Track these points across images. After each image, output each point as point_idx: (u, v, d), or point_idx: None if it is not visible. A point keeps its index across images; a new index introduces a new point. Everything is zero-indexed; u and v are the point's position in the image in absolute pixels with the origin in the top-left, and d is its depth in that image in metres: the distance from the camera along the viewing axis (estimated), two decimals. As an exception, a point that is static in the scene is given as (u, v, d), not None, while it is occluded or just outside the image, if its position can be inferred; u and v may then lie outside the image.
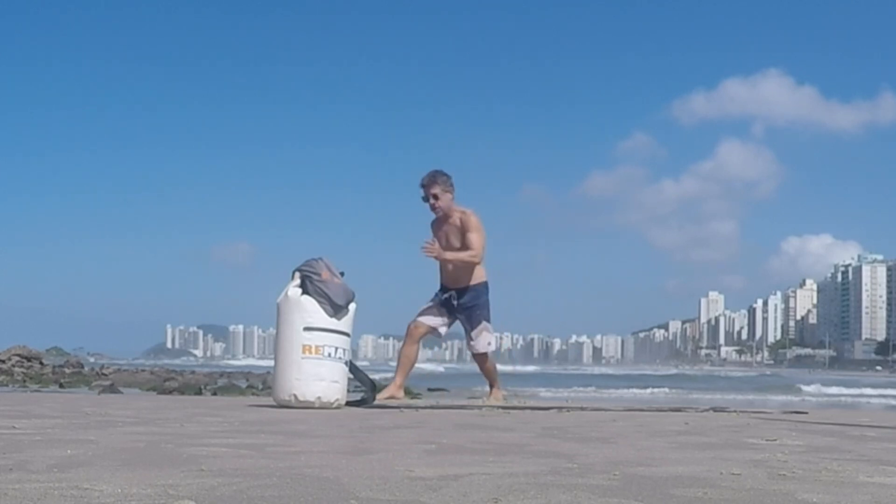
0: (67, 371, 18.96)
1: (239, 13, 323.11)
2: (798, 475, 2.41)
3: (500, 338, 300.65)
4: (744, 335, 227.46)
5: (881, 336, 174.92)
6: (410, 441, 3.29)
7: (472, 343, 6.60)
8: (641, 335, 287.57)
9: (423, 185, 6.43)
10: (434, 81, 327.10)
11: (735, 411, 6.00)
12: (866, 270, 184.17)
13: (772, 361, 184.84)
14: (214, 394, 10.64)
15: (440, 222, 6.49)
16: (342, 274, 5.55)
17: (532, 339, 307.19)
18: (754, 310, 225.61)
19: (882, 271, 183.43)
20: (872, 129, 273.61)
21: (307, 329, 5.25)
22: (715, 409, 6.22)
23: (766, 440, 3.54)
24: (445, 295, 6.51)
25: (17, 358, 19.43)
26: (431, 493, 2.01)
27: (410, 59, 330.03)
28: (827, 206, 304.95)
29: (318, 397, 5.21)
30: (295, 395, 5.21)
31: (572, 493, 2.04)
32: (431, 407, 6.08)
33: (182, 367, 33.60)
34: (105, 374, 17.95)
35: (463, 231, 6.40)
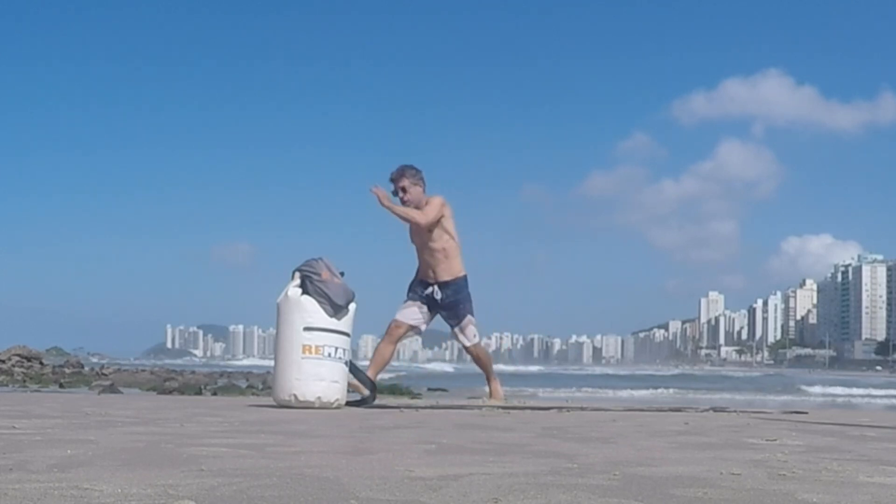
0: (67, 371, 18.95)
1: (239, 13, 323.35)
2: (798, 475, 2.41)
3: (501, 338, 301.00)
4: (744, 335, 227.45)
5: (881, 336, 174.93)
6: (410, 441, 3.29)
7: (460, 337, 6.54)
8: (641, 335, 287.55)
9: (391, 179, 6.36)
10: (434, 81, 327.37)
11: (735, 411, 6.00)
12: (866, 270, 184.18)
13: (772, 361, 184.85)
14: (214, 394, 10.63)
15: None
16: (342, 274, 5.55)
17: (532, 339, 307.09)
18: (754, 310, 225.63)
19: (882, 271, 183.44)
20: (872, 129, 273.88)
21: (307, 329, 5.25)
22: (715, 409, 6.23)
23: (766, 440, 3.54)
24: (427, 290, 6.46)
25: (17, 358, 19.42)
26: (431, 493, 2.01)
27: (410, 59, 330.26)
28: (827, 206, 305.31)
29: (318, 397, 5.21)
30: (295, 395, 5.21)
31: (572, 493, 2.04)
32: (431, 407, 6.08)
33: (184, 367, 33.56)
34: (105, 374, 17.95)
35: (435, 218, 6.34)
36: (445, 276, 6.39)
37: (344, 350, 5.38)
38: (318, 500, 1.92)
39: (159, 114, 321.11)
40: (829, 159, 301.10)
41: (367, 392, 5.92)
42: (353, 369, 5.71)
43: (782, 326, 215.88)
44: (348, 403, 5.51)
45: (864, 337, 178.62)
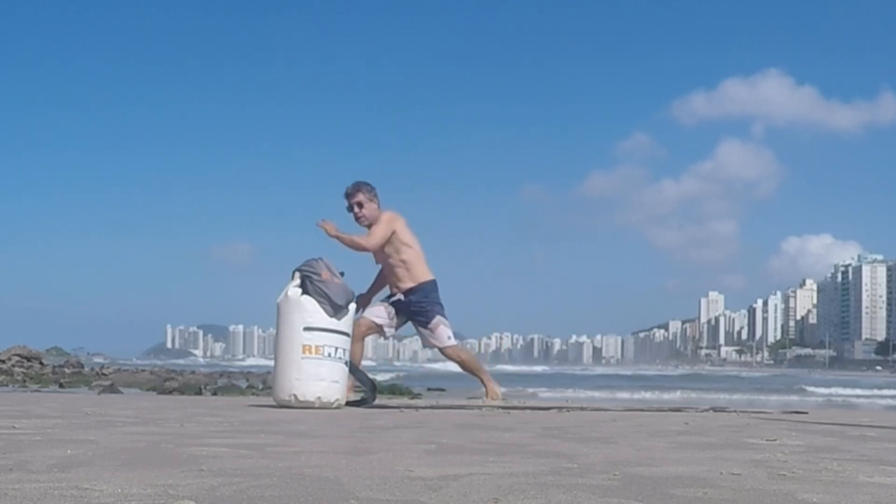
0: (67, 371, 18.96)
1: (239, 13, 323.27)
2: (798, 475, 2.41)
3: (501, 338, 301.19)
4: (744, 335, 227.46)
5: (881, 336, 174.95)
6: (410, 441, 3.29)
7: (431, 340, 6.46)
8: (641, 335, 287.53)
9: (346, 195, 6.33)
10: (434, 81, 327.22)
11: (735, 411, 6.00)
12: (866, 270, 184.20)
13: (772, 361, 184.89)
14: (214, 394, 10.64)
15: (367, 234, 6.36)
16: (342, 274, 5.55)
17: (532, 339, 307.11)
18: (754, 310, 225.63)
19: (882, 271, 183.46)
20: (872, 129, 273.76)
21: (307, 329, 5.25)
22: (715, 409, 6.23)
23: (766, 440, 3.54)
24: (393, 298, 6.44)
25: (17, 358, 19.42)
26: (431, 493, 2.01)
27: (410, 59, 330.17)
28: (827, 206, 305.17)
29: (318, 397, 5.21)
30: (295, 395, 5.21)
31: (572, 493, 2.04)
32: (431, 407, 6.08)
33: (187, 368, 33.54)
34: (105, 374, 17.95)
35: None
36: (409, 284, 6.37)
37: (344, 350, 5.38)
38: (318, 500, 1.92)
39: (159, 114, 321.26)
40: (829, 159, 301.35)
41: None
42: (353, 369, 5.71)
43: (782, 326, 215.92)
44: (348, 403, 5.51)
45: (864, 337, 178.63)
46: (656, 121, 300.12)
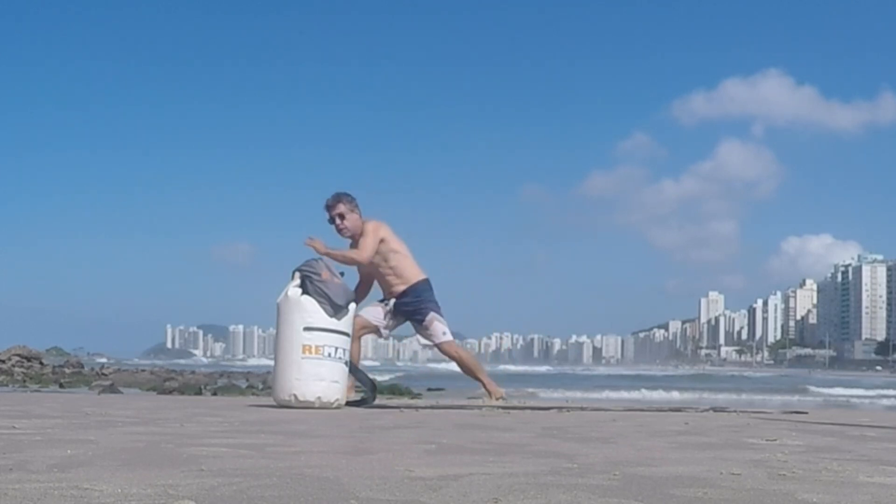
0: (67, 371, 18.95)
1: (239, 13, 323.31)
2: (798, 475, 2.41)
3: (501, 338, 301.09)
4: (744, 335, 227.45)
5: (881, 336, 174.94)
6: (410, 441, 3.29)
7: (427, 334, 6.45)
8: (641, 335, 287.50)
9: (327, 207, 6.30)
10: (434, 81, 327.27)
11: (735, 411, 6.00)
12: (866, 270, 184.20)
13: (772, 361, 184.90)
14: (214, 394, 10.63)
15: (352, 245, 6.34)
16: (342, 274, 5.55)
17: (532, 339, 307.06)
18: (754, 310, 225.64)
19: (882, 271, 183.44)
20: (872, 129, 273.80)
21: (307, 329, 5.25)
22: (715, 409, 6.23)
23: (766, 440, 3.54)
24: (385, 302, 6.42)
25: (17, 358, 19.42)
26: (431, 493, 2.01)
27: (410, 59, 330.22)
28: (827, 206, 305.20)
29: (318, 397, 5.21)
30: (295, 395, 5.21)
31: (572, 493, 2.04)
32: (431, 407, 6.08)
33: (189, 367, 33.50)
34: (105, 374, 17.95)
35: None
36: (402, 288, 6.38)
37: (344, 350, 5.37)
38: (318, 500, 1.92)
39: (159, 114, 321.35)
40: (829, 159, 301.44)
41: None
42: (353, 369, 5.71)
43: (782, 326, 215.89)
44: (348, 403, 5.51)
45: (864, 337, 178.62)
46: (656, 121, 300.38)
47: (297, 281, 5.36)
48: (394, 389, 10.40)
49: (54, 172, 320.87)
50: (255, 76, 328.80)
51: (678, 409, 6.30)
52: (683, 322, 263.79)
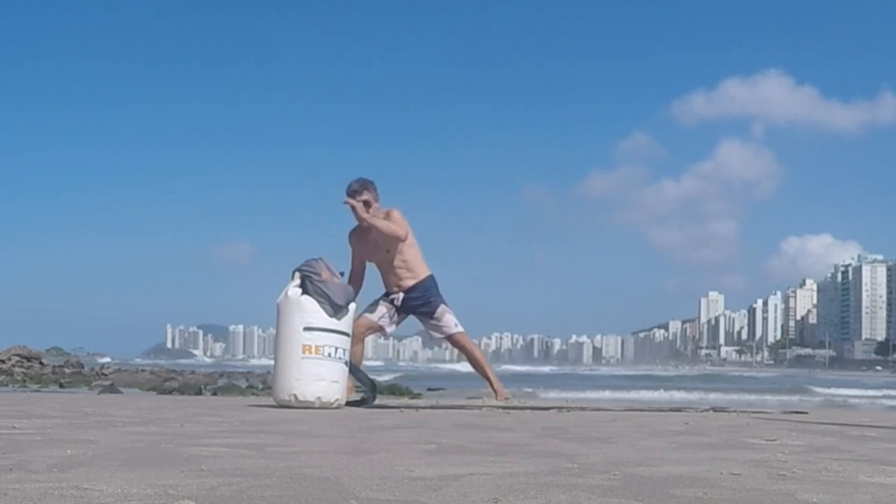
0: (67, 371, 18.94)
1: (239, 13, 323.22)
2: (798, 475, 2.41)
3: (501, 338, 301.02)
4: (744, 335, 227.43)
5: (881, 336, 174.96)
6: (410, 441, 3.29)
7: (439, 326, 6.44)
8: (641, 335, 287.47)
9: (352, 192, 6.22)
10: (434, 81, 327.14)
11: (735, 411, 6.00)
12: (866, 270, 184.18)
13: (772, 361, 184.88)
14: (214, 394, 10.63)
15: (367, 231, 6.31)
16: (342, 274, 5.55)
17: (532, 339, 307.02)
18: (754, 310, 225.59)
19: (882, 271, 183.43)
20: (872, 129, 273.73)
21: (307, 329, 5.25)
22: (715, 409, 6.23)
23: (766, 440, 3.54)
24: (391, 297, 6.42)
25: (17, 358, 19.42)
26: (431, 493, 2.01)
27: (410, 58, 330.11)
28: (827, 206, 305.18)
29: (318, 397, 5.21)
30: (295, 395, 5.21)
31: (572, 493, 2.04)
32: (431, 407, 6.08)
33: (191, 368, 33.46)
34: (105, 374, 17.94)
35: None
36: (411, 281, 6.37)
37: (344, 350, 5.37)
38: (318, 500, 1.92)
39: (159, 114, 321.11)
40: (829, 159, 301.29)
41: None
42: (353, 369, 5.71)
43: (782, 326, 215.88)
44: (348, 403, 5.51)
45: (864, 337, 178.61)
46: (656, 121, 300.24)
47: (297, 281, 5.36)
48: (394, 389, 10.40)
49: (54, 172, 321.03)
50: (255, 76, 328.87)
51: (678, 409, 6.29)
52: (683, 322, 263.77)
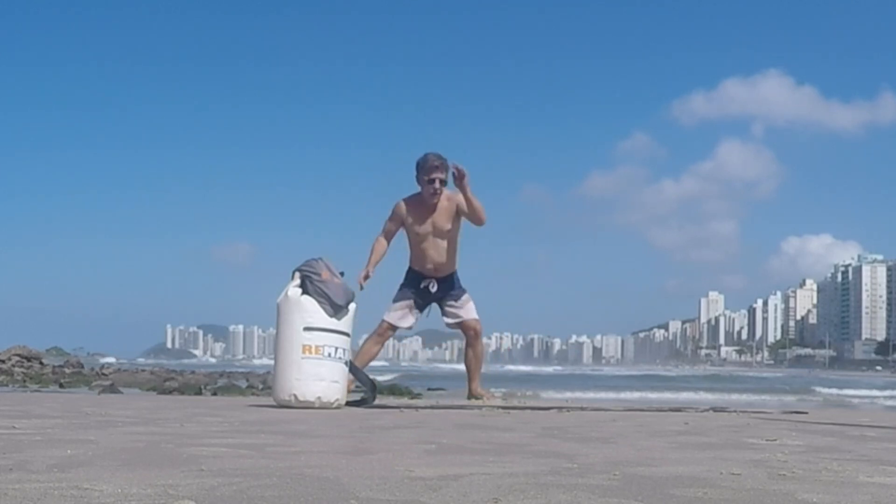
0: (67, 371, 18.91)
1: (239, 13, 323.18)
2: (798, 475, 2.41)
3: (501, 338, 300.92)
4: (744, 335, 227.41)
5: (881, 336, 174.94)
6: (410, 441, 3.29)
7: (461, 311, 6.54)
8: (641, 335, 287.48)
9: (433, 167, 6.28)
10: (434, 81, 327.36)
11: (735, 411, 6.00)
12: (866, 270, 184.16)
13: (772, 361, 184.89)
14: (214, 394, 10.61)
15: (427, 208, 6.40)
16: (342, 274, 5.55)
17: (532, 339, 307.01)
18: (754, 310, 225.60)
19: (882, 271, 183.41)
20: (872, 129, 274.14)
21: (307, 329, 5.25)
22: (715, 409, 6.22)
23: (766, 440, 3.54)
24: (423, 284, 6.48)
25: (17, 358, 19.39)
26: (431, 493, 2.01)
27: (410, 59, 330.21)
28: (827, 206, 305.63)
29: (318, 397, 5.21)
30: (295, 395, 5.21)
31: (572, 493, 2.04)
32: (431, 407, 6.07)
33: (193, 368, 33.41)
34: (105, 374, 17.92)
35: (454, 209, 6.36)
36: (447, 271, 6.48)
37: (344, 350, 5.37)
38: (318, 500, 1.92)
39: (159, 114, 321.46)
40: (829, 159, 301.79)
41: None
42: (353, 369, 5.71)
43: (782, 326, 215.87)
44: (348, 403, 5.51)
45: (864, 337, 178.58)
46: (656, 121, 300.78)
47: (297, 281, 5.36)
48: (394, 389, 10.37)
49: (54, 172, 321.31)
50: (255, 76, 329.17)
51: (678, 409, 6.29)
52: (683, 322, 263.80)
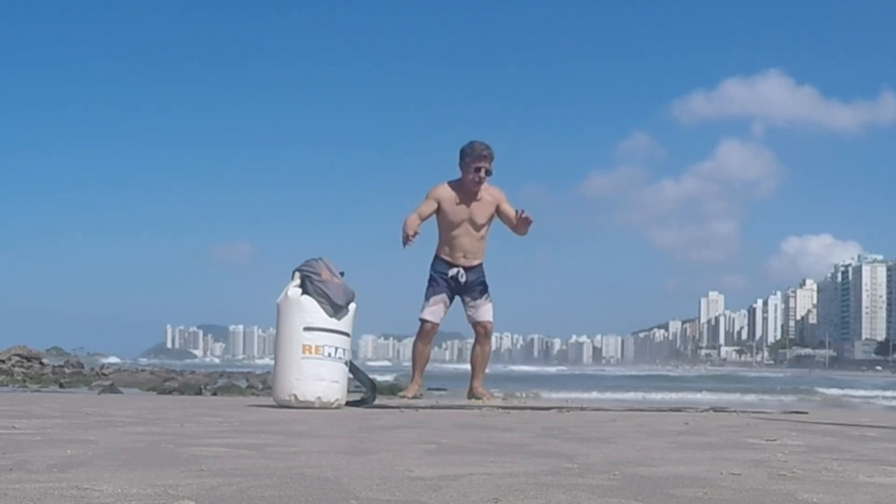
0: (67, 371, 18.92)
1: (239, 13, 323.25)
2: (798, 475, 2.41)
3: (500, 338, 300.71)
4: (744, 335, 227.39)
5: (881, 336, 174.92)
6: (410, 441, 3.29)
7: (481, 310, 6.68)
8: (641, 335, 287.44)
9: (482, 156, 6.46)
10: (435, 82, 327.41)
11: (735, 411, 6.00)
12: (866, 270, 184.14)
13: (772, 361, 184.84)
14: (214, 394, 10.61)
15: (468, 195, 6.52)
16: (342, 274, 5.54)
17: (532, 339, 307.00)
18: (754, 310, 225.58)
19: (882, 271, 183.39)
20: (872, 129, 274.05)
21: (307, 329, 5.25)
22: (715, 409, 6.22)
23: (766, 440, 3.54)
24: (452, 272, 6.54)
25: (17, 358, 19.39)
26: (431, 493, 2.01)
27: (411, 59, 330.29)
28: (827, 206, 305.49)
29: (318, 397, 5.21)
30: (295, 395, 5.21)
31: (572, 493, 2.04)
32: (431, 407, 6.07)
33: (195, 368, 33.40)
34: (105, 374, 17.93)
35: (495, 206, 6.56)
36: (477, 261, 6.62)
37: (344, 350, 5.37)
38: (318, 500, 1.92)
39: (159, 114, 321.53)
40: (829, 159, 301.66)
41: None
42: (353, 369, 5.70)
43: (782, 326, 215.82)
44: (348, 403, 5.51)
45: (864, 337, 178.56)
46: (656, 121, 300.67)
47: (297, 281, 5.35)
48: (394, 389, 10.37)
49: (54, 172, 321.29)
50: (256, 76, 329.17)
51: (678, 409, 6.29)
52: (683, 322, 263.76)
